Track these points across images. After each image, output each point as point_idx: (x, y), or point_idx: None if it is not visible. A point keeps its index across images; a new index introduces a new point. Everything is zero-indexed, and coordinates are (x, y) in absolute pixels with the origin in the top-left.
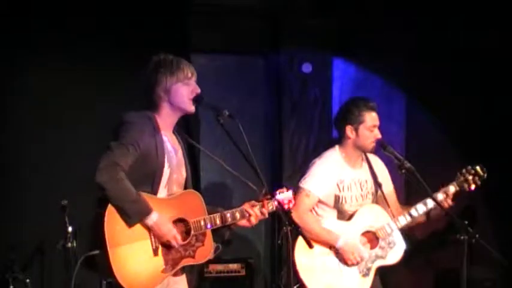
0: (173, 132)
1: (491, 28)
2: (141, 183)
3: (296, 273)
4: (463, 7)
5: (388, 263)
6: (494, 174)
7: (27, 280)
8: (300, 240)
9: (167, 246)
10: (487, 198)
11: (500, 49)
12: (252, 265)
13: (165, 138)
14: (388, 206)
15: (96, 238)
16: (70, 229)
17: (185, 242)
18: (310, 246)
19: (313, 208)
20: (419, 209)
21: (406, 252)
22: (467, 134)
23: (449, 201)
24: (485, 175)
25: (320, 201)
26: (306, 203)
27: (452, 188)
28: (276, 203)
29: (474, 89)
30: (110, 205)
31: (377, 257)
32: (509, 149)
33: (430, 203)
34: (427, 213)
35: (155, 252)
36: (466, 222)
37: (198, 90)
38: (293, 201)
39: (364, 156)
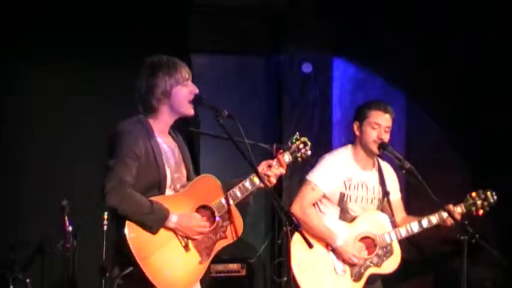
0: (169, 132)
1: (491, 28)
2: (148, 189)
3: (289, 265)
4: (463, 7)
5: (382, 271)
6: (494, 174)
7: (27, 280)
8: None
9: (196, 239)
10: None
11: (500, 49)
12: (252, 265)
13: (159, 140)
14: (393, 215)
15: (124, 256)
16: (70, 229)
17: (213, 227)
18: (310, 246)
19: (317, 204)
20: (424, 224)
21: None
22: (467, 134)
23: (451, 221)
24: (495, 202)
25: (325, 197)
26: (311, 196)
27: (459, 210)
28: (290, 152)
29: (474, 89)
30: (127, 221)
31: (372, 263)
32: (509, 149)
33: (434, 220)
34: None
35: (187, 248)
36: (466, 222)
37: (196, 90)
38: (309, 144)
39: (376, 162)
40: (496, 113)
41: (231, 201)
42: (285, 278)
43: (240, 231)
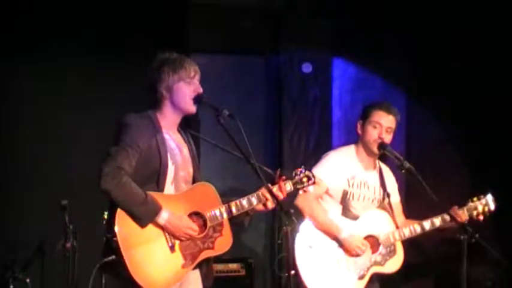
0: (178, 130)
1: (491, 28)
2: (146, 182)
3: (293, 261)
4: (463, 7)
5: (385, 271)
6: (494, 174)
7: (27, 280)
8: (303, 231)
9: (184, 241)
10: None
11: (500, 49)
12: (252, 265)
13: (167, 136)
14: (393, 217)
15: (110, 244)
16: (70, 229)
17: (202, 235)
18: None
19: (319, 200)
20: (426, 226)
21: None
22: (467, 134)
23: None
24: (495, 208)
25: (328, 194)
26: (315, 190)
27: (461, 213)
28: (292, 182)
29: (474, 89)
30: (119, 209)
31: (375, 262)
32: (509, 149)
33: (437, 222)
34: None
35: (172, 249)
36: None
37: (200, 90)
38: (313, 178)
39: (378, 164)
40: (496, 113)
41: (225, 215)
42: (287, 274)
43: (228, 245)
